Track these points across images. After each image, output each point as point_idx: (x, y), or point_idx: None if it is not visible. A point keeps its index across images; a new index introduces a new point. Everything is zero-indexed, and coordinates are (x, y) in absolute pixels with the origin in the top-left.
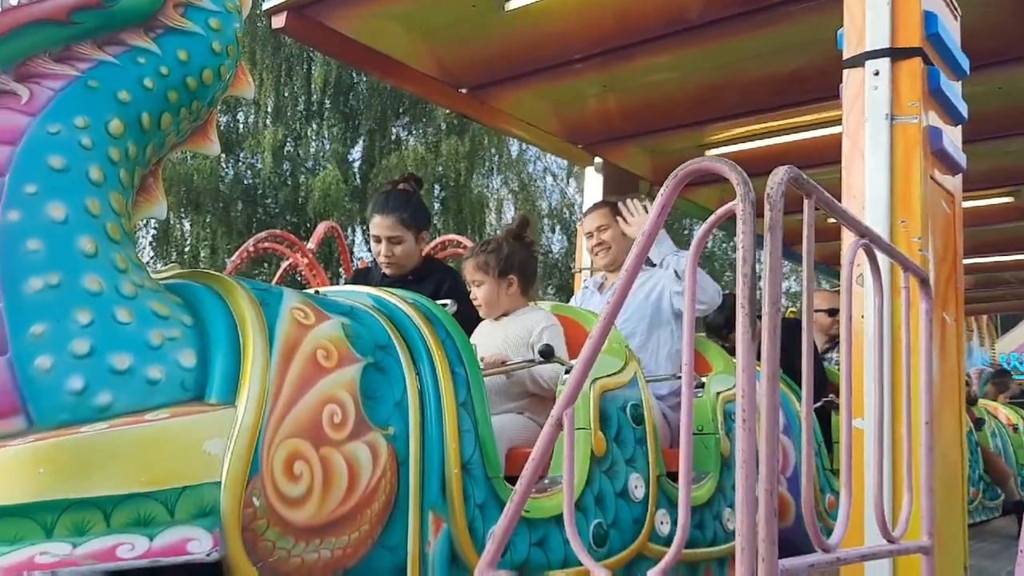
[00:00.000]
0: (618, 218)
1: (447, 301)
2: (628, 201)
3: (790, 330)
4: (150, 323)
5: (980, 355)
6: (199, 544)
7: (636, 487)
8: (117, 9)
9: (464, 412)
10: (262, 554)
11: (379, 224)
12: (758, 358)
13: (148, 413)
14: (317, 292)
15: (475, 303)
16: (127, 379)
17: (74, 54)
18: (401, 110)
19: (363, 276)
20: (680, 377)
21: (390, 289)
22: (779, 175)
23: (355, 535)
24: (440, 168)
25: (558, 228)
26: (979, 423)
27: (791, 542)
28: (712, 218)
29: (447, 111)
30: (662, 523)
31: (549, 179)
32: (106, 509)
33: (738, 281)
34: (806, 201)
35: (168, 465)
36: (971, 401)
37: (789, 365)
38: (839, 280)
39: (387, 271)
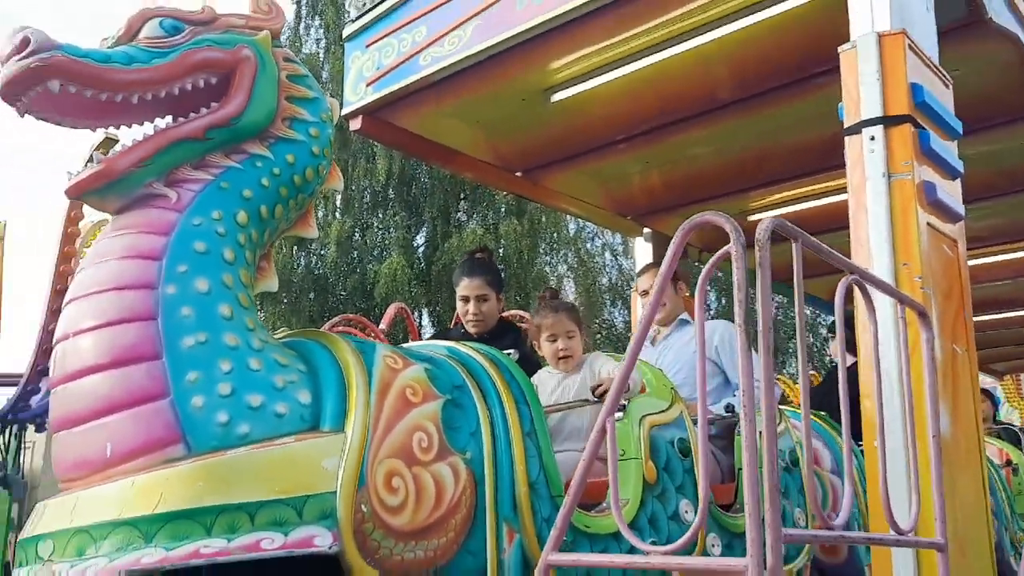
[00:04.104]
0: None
1: (511, 351)
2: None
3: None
4: (275, 370)
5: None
6: (322, 540)
7: (686, 511)
8: (240, 126)
9: (529, 440)
10: (370, 551)
11: (467, 285)
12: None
13: (278, 440)
14: (400, 347)
15: (565, 354)
16: (260, 413)
17: (208, 162)
18: (462, 196)
19: (442, 337)
20: (724, 416)
21: (462, 342)
22: (765, 223)
23: (444, 540)
24: (501, 249)
25: (620, 303)
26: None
27: None
28: (713, 258)
29: (505, 194)
30: (713, 546)
31: (608, 255)
32: (251, 512)
33: (735, 306)
34: (793, 244)
35: (296, 478)
36: None
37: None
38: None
39: (472, 330)
